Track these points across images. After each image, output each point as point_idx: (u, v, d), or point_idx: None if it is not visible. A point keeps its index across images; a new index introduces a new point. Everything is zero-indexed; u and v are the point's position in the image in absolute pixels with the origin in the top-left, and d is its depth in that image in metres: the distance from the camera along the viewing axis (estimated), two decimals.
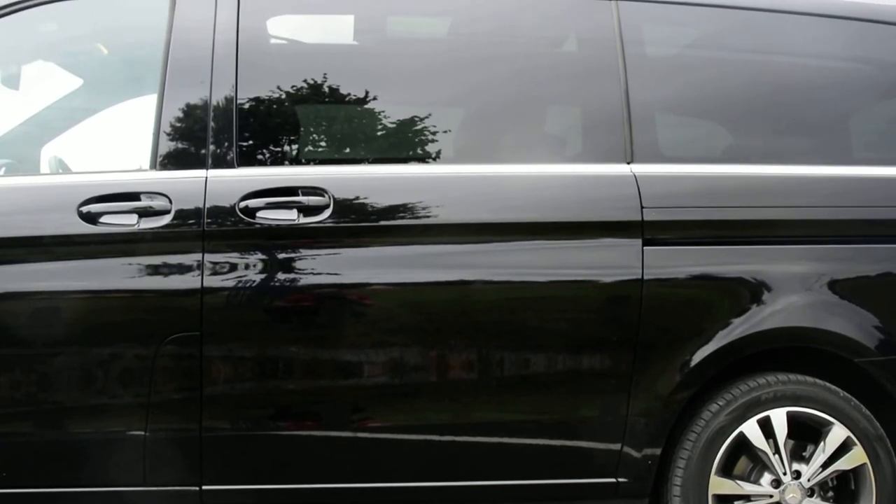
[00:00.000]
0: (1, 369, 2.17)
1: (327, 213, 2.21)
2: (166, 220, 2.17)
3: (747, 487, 2.31)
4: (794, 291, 2.33)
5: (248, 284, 2.19)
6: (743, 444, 2.31)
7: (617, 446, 2.28)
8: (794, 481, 2.31)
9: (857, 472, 2.34)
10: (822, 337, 2.36)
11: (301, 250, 2.22)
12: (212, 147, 2.24)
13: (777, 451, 2.31)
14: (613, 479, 2.29)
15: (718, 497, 2.30)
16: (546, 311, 2.29)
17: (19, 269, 2.17)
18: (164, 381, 2.16)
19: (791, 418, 2.31)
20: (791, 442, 2.33)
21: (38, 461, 2.18)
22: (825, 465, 2.33)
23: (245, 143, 2.29)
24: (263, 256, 2.20)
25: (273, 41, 2.48)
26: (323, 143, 2.57)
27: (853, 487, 2.36)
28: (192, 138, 2.25)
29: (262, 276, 2.20)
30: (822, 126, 2.54)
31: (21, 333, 2.18)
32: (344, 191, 2.23)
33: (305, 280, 2.21)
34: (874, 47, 2.59)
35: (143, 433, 2.16)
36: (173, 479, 2.20)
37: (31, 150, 2.74)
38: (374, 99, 2.43)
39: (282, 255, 2.21)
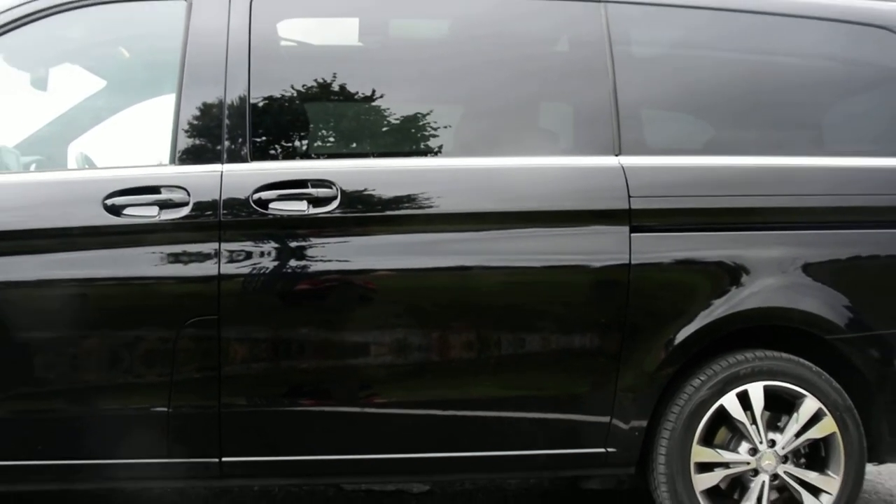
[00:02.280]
0: (34, 352, 2.19)
1: (335, 203, 2.22)
2: (185, 211, 2.19)
3: (726, 455, 2.35)
4: (770, 274, 2.35)
5: (261, 271, 2.21)
6: (722, 415, 2.34)
7: (606, 419, 2.31)
8: (770, 449, 2.34)
9: (827, 440, 2.38)
10: (795, 316, 2.38)
11: (311, 239, 2.23)
12: (227, 143, 2.25)
13: (754, 421, 2.34)
14: (603, 450, 2.32)
15: (700, 465, 2.33)
16: (540, 294, 2.31)
17: (49, 258, 2.19)
18: (185, 361, 2.19)
19: (767, 391, 2.35)
20: (767, 413, 2.36)
21: (68, 435, 2.21)
22: (798, 434, 2.36)
23: (258, 139, 2.31)
24: (276, 245, 2.22)
25: (283, 43, 2.49)
26: (331, 139, 2.58)
27: (823, 454, 2.40)
28: (209, 135, 2.26)
29: (275, 263, 2.22)
30: (797, 119, 2.56)
31: (52, 319, 2.19)
32: (351, 183, 2.25)
33: (315, 266, 2.23)
34: (842, 46, 2.58)
35: (166, 409, 2.19)
36: (195, 451, 2.23)
37: (59, 147, 2.74)
38: (379, 97, 2.43)
39: (293, 244, 2.23)
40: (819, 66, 2.61)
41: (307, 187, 2.22)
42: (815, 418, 2.35)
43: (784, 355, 2.38)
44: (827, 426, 2.35)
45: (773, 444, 2.33)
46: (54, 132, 2.75)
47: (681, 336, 2.30)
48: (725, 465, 2.34)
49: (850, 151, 2.50)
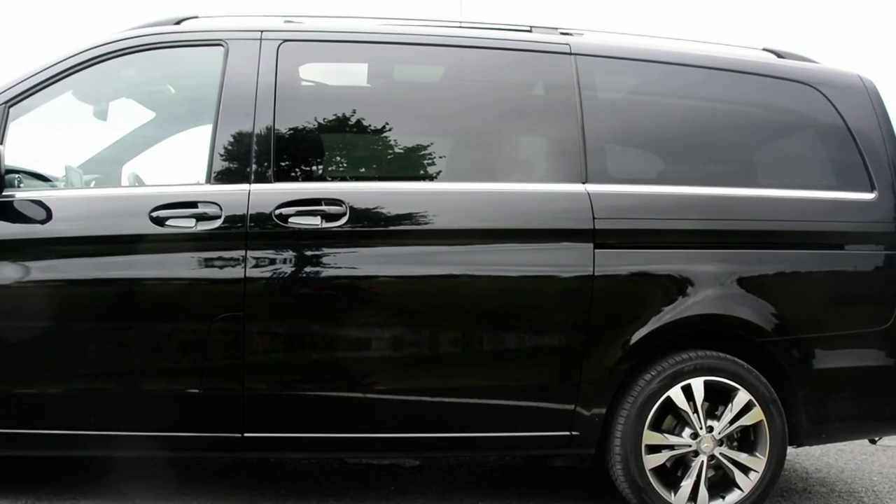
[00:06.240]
0: (89, 340, 2.26)
1: (345, 219, 2.29)
2: (218, 223, 2.26)
3: (672, 439, 2.43)
4: (710, 286, 2.41)
5: (281, 275, 2.27)
6: (669, 405, 2.42)
7: (571, 406, 2.37)
8: (708, 434, 2.42)
9: (756, 426, 2.45)
10: (731, 321, 2.44)
11: (324, 249, 2.29)
12: (254, 166, 2.32)
13: (696, 410, 2.42)
14: (568, 433, 2.38)
15: (649, 447, 2.41)
16: (517, 300, 2.37)
17: (104, 261, 2.26)
18: (215, 350, 2.26)
19: (707, 385, 2.43)
20: (706, 403, 2.44)
21: (115, 411, 2.26)
22: (732, 422, 2.44)
23: (280, 164, 2.37)
24: (294, 253, 2.29)
25: (304, 83, 2.56)
26: (342, 164, 2.63)
27: (752, 439, 2.48)
28: (239, 159, 2.33)
29: (293, 268, 2.29)
30: (734, 156, 2.61)
31: (105, 312, 2.27)
32: (358, 202, 2.32)
33: (327, 272, 2.30)
34: (773, 97, 2.66)
35: (198, 391, 2.26)
36: (221, 427, 2.29)
37: (115, 167, 2.83)
38: (383, 129, 2.50)
39: (308, 253, 2.30)
40: (754, 112, 2.67)
41: (321, 205, 2.29)
42: (746, 408, 2.43)
43: (721, 355, 2.45)
44: (756, 415, 2.43)
45: (711, 429, 2.41)
46: (111, 155, 2.84)
47: (635, 337, 2.36)
48: (671, 447, 2.41)
49: (778, 184, 2.55)
